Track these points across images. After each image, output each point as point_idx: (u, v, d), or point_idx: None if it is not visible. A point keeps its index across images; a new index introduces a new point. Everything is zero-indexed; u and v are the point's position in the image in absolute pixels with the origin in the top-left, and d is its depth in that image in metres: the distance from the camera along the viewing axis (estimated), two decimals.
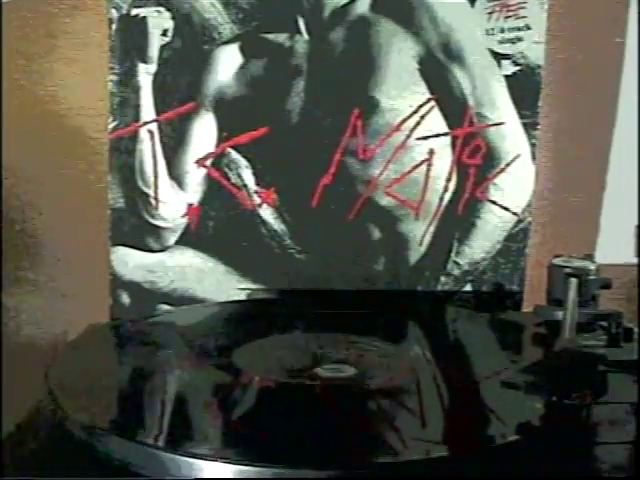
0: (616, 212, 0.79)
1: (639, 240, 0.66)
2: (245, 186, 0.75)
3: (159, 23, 0.74)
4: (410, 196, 0.76)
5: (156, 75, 0.74)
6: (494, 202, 0.76)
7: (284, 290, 0.76)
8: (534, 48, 0.75)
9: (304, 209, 0.76)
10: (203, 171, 0.75)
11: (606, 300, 0.62)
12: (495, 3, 0.75)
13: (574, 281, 0.56)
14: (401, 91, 0.75)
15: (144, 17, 0.74)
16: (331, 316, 0.70)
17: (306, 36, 0.75)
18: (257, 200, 0.76)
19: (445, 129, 0.76)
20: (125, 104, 0.74)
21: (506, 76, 0.75)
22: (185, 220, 0.76)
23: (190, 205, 0.76)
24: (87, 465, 0.46)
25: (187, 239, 0.76)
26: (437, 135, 0.76)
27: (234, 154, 0.75)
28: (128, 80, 0.74)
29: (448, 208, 0.76)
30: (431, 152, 0.76)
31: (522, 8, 0.75)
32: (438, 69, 0.75)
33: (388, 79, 0.75)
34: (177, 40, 0.74)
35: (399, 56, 0.75)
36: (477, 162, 0.76)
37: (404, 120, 0.75)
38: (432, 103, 0.75)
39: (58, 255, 0.78)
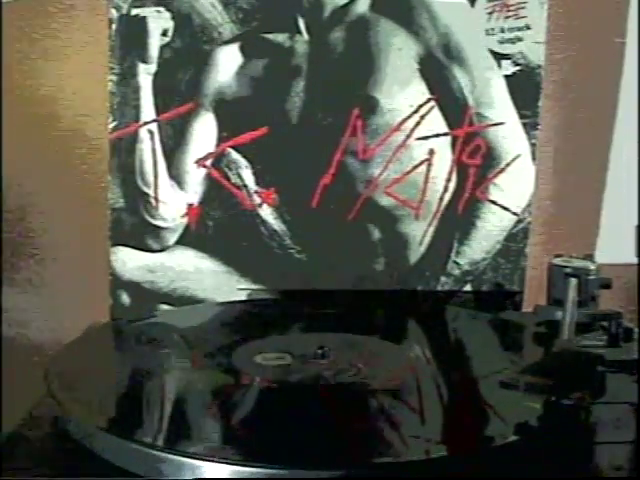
0: (616, 212, 0.79)
1: (639, 240, 0.66)
2: (245, 186, 0.75)
3: (159, 23, 0.74)
4: (410, 196, 0.76)
5: (156, 75, 0.74)
6: (494, 202, 0.76)
7: (284, 290, 0.76)
8: (534, 48, 0.75)
9: (304, 209, 0.76)
10: (203, 171, 0.75)
11: (606, 300, 0.62)
12: (495, 3, 0.75)
13: (574, 281, 0.56)
14: (401, 91, 0.75)
15: (144, 17, 0.74)
16: (331, 316, 0.70)
17: (306, 36, 0.75)
18: (257, 200, 0.76)
19: (445, 129, 0.76)
20: (125, 104, 0.74)
21: (506, 76, 0.75)
22: (185, 220, 0.76)
23: (190, 205, 0.76)
24: (86, 465, 0.47)
25: (187, 239, 0.76)
26: (437, 135, 0.76)
27: (234, 154, 0.75)
28: (128, 80, 0.74)
29: (448, 208, 0.76)
30: (431, 152, 0.76)
31: (522, 8, 0.75)
32: (438, 69, 0.75)
33: (388, 79, 0.75)
34: (177, 40, 0.74)
35: (399, 56, 0.75)
36: (477, 162, 0.76)
37: (404, 120, 0.75)
38: (432, 103, 0.75)
39: (58, 255, 0.78)
